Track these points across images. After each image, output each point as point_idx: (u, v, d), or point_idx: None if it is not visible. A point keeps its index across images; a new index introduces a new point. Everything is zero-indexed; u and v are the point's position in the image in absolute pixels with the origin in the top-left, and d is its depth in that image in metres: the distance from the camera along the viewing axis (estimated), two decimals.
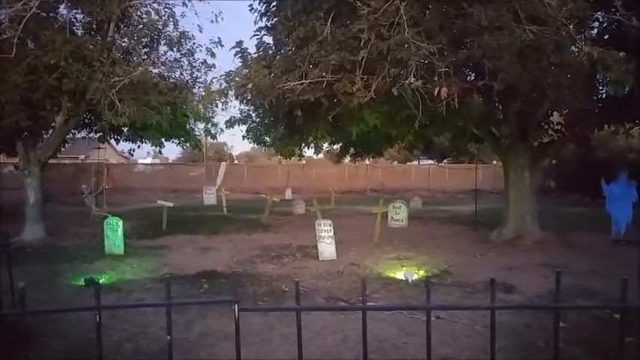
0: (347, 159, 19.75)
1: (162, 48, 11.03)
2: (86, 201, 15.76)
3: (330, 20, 7.16)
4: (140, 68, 9.07)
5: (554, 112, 10.60)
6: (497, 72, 6.38)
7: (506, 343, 4.59)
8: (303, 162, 24.45)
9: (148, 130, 11.45)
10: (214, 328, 4.98)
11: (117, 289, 6.65)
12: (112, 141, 15.37)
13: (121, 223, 9.02)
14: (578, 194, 22.71)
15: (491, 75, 6.63)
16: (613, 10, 6.85)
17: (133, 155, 15.97)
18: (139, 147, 13.66)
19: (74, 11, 10.08)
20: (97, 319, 2.03)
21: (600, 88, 8.65)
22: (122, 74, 8.62)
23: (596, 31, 8.42)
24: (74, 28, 9.99)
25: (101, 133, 12.78)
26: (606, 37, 8.07)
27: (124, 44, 10.02)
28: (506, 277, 7.26)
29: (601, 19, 8.07)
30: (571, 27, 5.95)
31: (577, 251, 9.50)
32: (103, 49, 9.16)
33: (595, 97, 8.70)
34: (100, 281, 6.97)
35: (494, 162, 24.35)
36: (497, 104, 10.35)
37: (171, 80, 11.38)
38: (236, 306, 2.21)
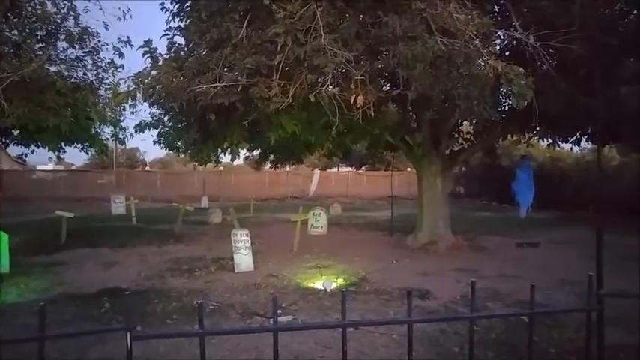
0: (267, 166, 19.48)
1: (62, 44, 10.09)
2: None
3: (245, 23, 6.89)
4: (33, 64, 8.13)
5: (464, 122, 11.17)
6: (411, 81, 6.51)
7: (423, 350, 4.60)
8: (221, 169, 23.70)
9: (45, 134, 10.32)
10: (114, 353, 4.46)
11: None
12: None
13: (6, 237, 7.93)
14: (485, 199, 24.42)
15: (405, 84, 6.75)
16: (512, 29, 7.33)
17: (25, 161, 14.40)
18: (33, 152, 12.30)
19: None
20: None
21: (504, 100, 9.23)
22: (10, 70, 7.66)
23: (498, 47, 8.99)
24: None
25: None
26: (507, 53, 8.63)
27: (13, 37, 8.95)
28: (422, 282, 7.42)
29: (502, 37, 8.63)
30: (477, 41, 6.22)
31: (485, 255, 10.04)
32: None
33: (500, 109, 9.26)
34: None
35: (409, 169, 25.38)
36: (411, 113, 10.68)
37: (72, 80, 10.45)
38: (128, 334, 1.89)
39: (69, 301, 6.30)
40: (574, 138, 10.20)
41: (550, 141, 10.19)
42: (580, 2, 6.89)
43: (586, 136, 10.17)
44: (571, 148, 12.72)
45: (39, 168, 31.85)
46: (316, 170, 24.05)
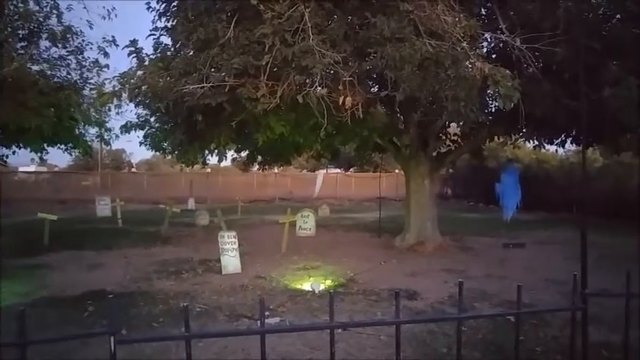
0: (255, 167, 19.39)
1: (44, 43, 9.92)
2: None
3: (233, 23, 6.84)
4: (15, 63, 7.98)
5: (451, 124, 11.25)
6: (399, 83, 6.52)
7: (411, 351, 4.61)
8: (208, 170, 23.53)
9: (26, 134, 10.10)
10: (98, 357, 4.38)
11: None
12: None
13: None
14: (472, 200, 24.63)
15: (393, 86, 6.77)
16: (499, 32, 7.40)
17: (6, 162, 14.04)
18: (14, 153, 12.02)
19: None
20: None
21: (490, 102, 9.31)
22: None
23: (485, 49, 9.08)
24: None
25: None
26: (494, 55, 8.71)
27: None
28: (410, 283, 7.43)
29: (489, 39, 8.71)
30: (465, 43, 6.26)
31: (473, 255, 10.11)
32: None
33: (486, 111, 9.34)
34: None
35: (397, 171, 25.49)
36: (399, 115, 10.73)
37: (55, 79, 10.28)
38: (112, 338, 1.85)
39: (52, 305, 6.18)
40: (559, 140, 10.32)
41: (536, 143, 10.31)
42: (565, 6, 6.99)
43: (570, 138, 10.30)
44: (556, 150, 12.93)
45: (21, 169, 31.28)
46: (320, 171, 23.95)
